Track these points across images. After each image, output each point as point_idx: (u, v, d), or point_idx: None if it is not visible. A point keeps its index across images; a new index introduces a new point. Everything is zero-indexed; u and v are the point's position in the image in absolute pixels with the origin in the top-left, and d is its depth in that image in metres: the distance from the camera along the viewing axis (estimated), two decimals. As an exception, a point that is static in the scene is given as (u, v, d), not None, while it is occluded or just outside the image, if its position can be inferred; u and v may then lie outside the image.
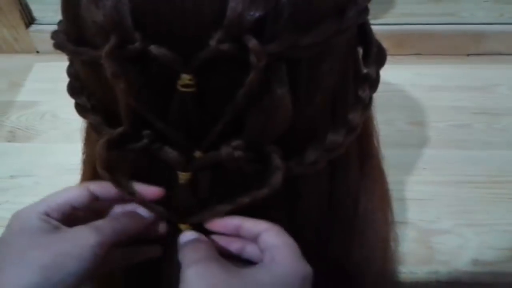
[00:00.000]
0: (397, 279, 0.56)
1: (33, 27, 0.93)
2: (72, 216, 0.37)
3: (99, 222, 0.36)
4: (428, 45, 0.89)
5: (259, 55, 0.28)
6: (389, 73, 0.81)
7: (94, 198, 0.38)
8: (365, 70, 0.37)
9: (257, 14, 0.27)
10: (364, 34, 0.37)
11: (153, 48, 0.28)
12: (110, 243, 0.35)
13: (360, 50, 0.38)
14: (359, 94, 0.37)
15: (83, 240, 0.34)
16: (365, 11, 0.34)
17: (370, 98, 0.38)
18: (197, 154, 0.34)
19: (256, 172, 0.33)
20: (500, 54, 0.89)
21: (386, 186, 0.51)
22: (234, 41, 0.28)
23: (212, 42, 0.28)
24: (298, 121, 0.33)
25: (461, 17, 0.95)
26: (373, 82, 0.38)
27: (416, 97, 0.82)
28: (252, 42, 0.27)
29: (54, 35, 0.35)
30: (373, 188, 0.47)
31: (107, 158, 0.34)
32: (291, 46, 0.29)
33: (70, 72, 0.38)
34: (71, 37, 0.33)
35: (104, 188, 0.38)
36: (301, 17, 0.29)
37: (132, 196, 0.37)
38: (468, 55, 0.89)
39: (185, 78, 0.29)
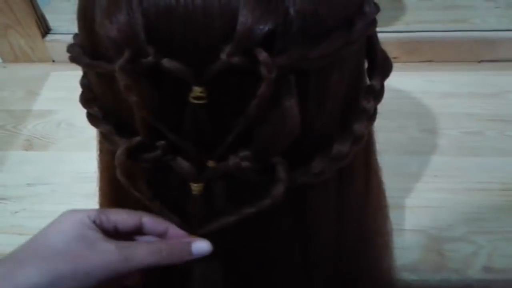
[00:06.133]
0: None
1: (49, 37, 0.95)
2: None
3: (137, 252, 0.36)
4: (440, 52, 0.89)
5: (269, 67, 0.28)
6: (401, 80, 0.83)
7: (138, 229, 0.39)
8: (370, 81, 0.38)
9: (266, 28, 0.28)
10: (371, 45, 0.38)
11: (166, 62, 0.29)
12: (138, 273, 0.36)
13: (366, 61, 0.38)
14: (363, 105, 0.37)
15: (112, 265, 0.35)
16: (373, 23, 0.35)
17: (375, 109, 0.38)
18: (211, 163, 0.34)
19: (263, 182, 0.34)
20: (512, 61, 0.88)
21: (386, 202, 0.52)
22: (244, 54, 0.28)
23: (223, 55, 0.28)
24: (307, 131, 0.33)
25: (473, 24, 0.95)
26: (378, 93, 0.38)
27: (428, 104, 0.82)
28: (262, 55, 0.28)
29: (70, 48, 0.36)
30: (376, 206, 0.48)
31: (127, 165, 0.35)
32: (300, 58, 0.30)
33: (83, 83, 0.39)
34: (86, 51, 0.34)
35: (155, 223, 0.38)
36: (310, 29, 0.30)
37: (152, 204, 0.37)
38: (480, 61, 0.89)
39: (197, 90, 0.30)
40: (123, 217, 0.38)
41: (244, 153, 0.33)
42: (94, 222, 0.37)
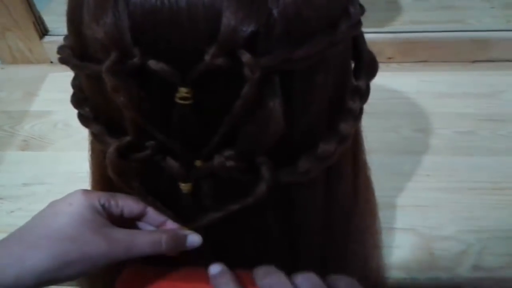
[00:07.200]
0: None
1: (47, 38, 0.96)
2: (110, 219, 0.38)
3: (138, 242, 0.36)
4: (434, 52, 0.90)
5: (253, 68, 0.29)
6: (395, 80, 0.83)
7: (141, 217, 0.40)
8: (356, 82, 0.38)
9: (249, 30, 0.28)
10: (357, 46, 0.38)
11: (152, 63, 0.29)
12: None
13: (352, 62, 0.39)
14: (349, 105, 0.37)
15: (115, 253, 0.35)
16: (358, 24, 0.35)
17: (361, 109, 0.39)
18: (198, 163, 0.35)
19: (248, 181, 0.35)
20: (506, 60, 0.89)
21: (375, 201, 0.52)
22: (228, 55, 0.29)
23: (207, 57, 0.29)
24: (292, 131, 0.34)
25: (468, 24, 0.96)
26: (364, 94, 0.39)
27: (422, 104, 0.82)
28: (246, 56, 0.29)
29: (60, 50, 0.37)
30: (365, 204, 0.48)
31: (118, 164, 0.35)
32: (284, 59, 0.30)
33: (75, 84, 0.40)
34: (76, 52, 0.35)
35: (157, 214, 0.39)
36: (293, 31, 0.30)
37: (145, 200, 0.38)
38: (474, 61, 0.90)
39: (183, 91, 0.30)
40: (130, 204, 0.39)
41: (229, 153, 0.34)
42: (103, 205, 0.37)
